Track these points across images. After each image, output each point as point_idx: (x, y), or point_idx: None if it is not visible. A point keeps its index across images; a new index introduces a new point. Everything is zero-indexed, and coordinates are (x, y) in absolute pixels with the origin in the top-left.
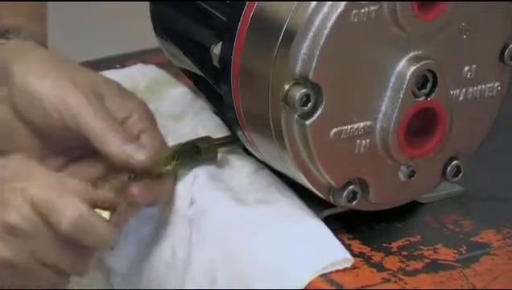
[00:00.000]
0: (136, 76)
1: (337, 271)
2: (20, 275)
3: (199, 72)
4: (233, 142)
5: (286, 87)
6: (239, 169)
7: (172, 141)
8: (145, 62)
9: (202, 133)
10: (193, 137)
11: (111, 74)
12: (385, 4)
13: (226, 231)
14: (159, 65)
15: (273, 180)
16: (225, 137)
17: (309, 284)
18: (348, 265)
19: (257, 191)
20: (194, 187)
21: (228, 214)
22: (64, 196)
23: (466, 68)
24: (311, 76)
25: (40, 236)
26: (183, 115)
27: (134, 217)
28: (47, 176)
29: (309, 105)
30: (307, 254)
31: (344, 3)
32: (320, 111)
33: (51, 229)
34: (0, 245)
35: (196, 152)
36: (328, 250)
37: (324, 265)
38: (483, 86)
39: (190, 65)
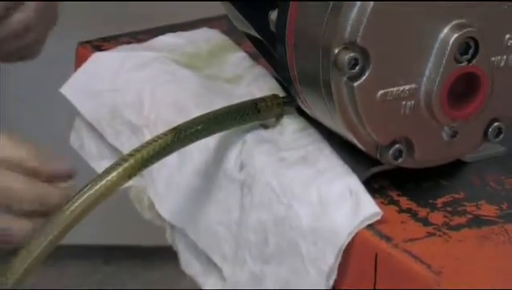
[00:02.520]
0: (199, 42)
1: (386, 224)
2: None
3: (259, 36)
4: (291, 102)
5: (336, 51)
6: (286, 127)
7: (226, 103)
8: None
9: (258, 95)
10: (248, 98)
11: (176, 37)
12: None
13: (273, 195)
14: (223, 32)
15: (314, 139)
16: (286, 96)
17: (359, 238)
18: (379, 217)
19: (300, 147)
20: (243, 152)
21: (273, 178)
22: None
23: (507, 36)
24: (359, 42)
25: None
26: (241, 78)
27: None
28: None
29: (357, 68)
30: (342, 215)
31: None
32: (367, 74)
33: None
34: None
35: (257, 111)
36: (361, 208)
37: (357, 223)
38: None
39: (252, 29)
